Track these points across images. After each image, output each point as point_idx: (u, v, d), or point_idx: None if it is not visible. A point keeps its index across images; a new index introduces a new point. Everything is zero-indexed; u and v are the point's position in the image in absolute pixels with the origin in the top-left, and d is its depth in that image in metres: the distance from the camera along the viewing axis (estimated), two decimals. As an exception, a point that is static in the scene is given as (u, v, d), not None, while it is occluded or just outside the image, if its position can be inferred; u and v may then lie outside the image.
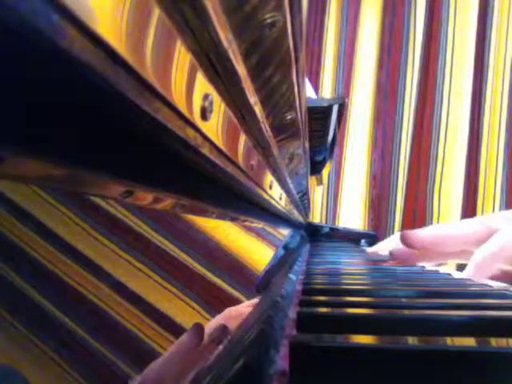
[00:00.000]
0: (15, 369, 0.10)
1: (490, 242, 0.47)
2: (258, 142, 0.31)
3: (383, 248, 0.83)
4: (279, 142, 0.35)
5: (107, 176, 0.16)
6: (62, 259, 0.13)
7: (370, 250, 0.92)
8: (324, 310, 0.26)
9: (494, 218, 0.52)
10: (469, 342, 0.20)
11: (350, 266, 0.62)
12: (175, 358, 0.16)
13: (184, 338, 0.18)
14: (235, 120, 0.23)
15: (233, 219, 0.37)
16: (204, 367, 0.17)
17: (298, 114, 0.32)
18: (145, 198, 0.20)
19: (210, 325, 0.20)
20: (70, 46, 0.09)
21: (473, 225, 0.52)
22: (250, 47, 0.19)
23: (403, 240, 0.52)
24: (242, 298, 0.28)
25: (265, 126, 0.28)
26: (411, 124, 2.14)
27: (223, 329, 0.20)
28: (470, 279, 0.47)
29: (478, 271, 0.46)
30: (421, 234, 0.51)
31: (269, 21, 0.18)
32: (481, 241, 0.48)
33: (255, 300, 0.29)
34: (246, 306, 0.27)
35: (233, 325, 0.22)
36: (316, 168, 1.16)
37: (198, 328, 0.19)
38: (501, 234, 0.47)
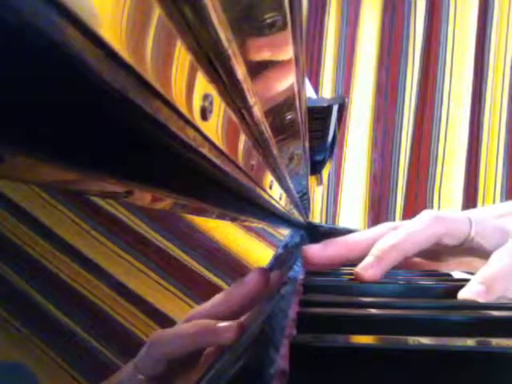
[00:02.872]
0: (27, 367, 0.10)
1: (392, 233, 0.41)
2: (258, 142, 0.31)
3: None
4: (279, 142, 0.35)
5: (107, 176, 0.16)
6: (62, 259, 0.13)
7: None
8: (324, 310, 0.26)
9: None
10: (469, 342, 0.20)
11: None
12: (236, 296, 0.16)
13: (248, 278, 0.18)
14: (235, 120, 0.23)
15: (233, 219, 0.37)
16: (204, 367, 0.17)
17: (298, 114, 0.32)
18: (145, 198, 0.20)
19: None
20: (69, 45, 0.09)
21: (379, 227, 0.45)
22: (250, 47, 0.19)
23: (304, 261, 0.43)
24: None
25: (265, 126, 0.28)
26: (411, 124, 2.14)
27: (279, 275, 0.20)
28: (469, 279, 0.47)
29: (377, 262, 0.39)
30: (319, 249, 0.43)
31: (269, 21, 0.18)
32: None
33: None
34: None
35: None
36: (316, 168, 1.16)
37: (263, 271, 0.19)
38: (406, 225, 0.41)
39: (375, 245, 0.40)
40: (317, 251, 0.42)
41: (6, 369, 0.10)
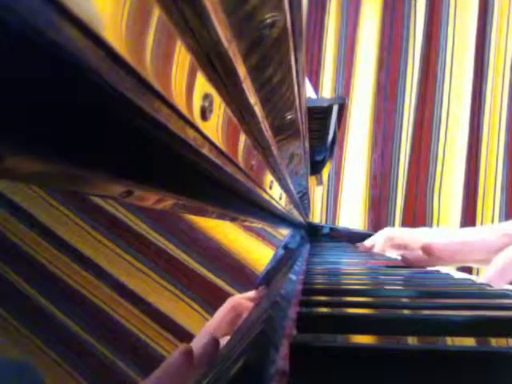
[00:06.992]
0: (33, 366, 0.10)
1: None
2: (258, 142, 0.31)
3: (373, 242, 0.85)
4: (279, 142, 0.35)
5: (107, 176, 0.16)
6: (62, 259, 0.13)
7: (360, 244, 0.94)
8: (324, 310, 0.26)
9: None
10: (469, 341, 0.20)
11: (350, 266, 0.62)
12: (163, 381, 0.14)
13: (172, 360, 0.16)
14: (235, 120, 0.23)
15: (233, 219, 0.37)
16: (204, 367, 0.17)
17: (298, 114, 0.32)
18: (145, 198, 0.20)
19: (214, 319, 0.20)
20: (69, 46, 0.09)
21: (497, 233, 0.51)
22: (250, 47, 0.19)
23: (427, 253, 0.51)
24: (242, 297, 0.28)
25: (265, 126, 0.28)
26: (411, 124, 2.14)
27: (214, 343, 0.19)
28: (469, 279, 0.47)
29: (498, 275, 0.45)
30: (443, 246, 0.51)
31: (269, 21, 0.18)
32: (503, 249, 0.48)
33: (254, 293, 0.28)
34: (246, 299, 0.26)
35: (236, 317, 0.22)
36: (316, 168, 1.16)
37: (187, 351, 0.17)
38: None
39: (495, 260, 0.47)
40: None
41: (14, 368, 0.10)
